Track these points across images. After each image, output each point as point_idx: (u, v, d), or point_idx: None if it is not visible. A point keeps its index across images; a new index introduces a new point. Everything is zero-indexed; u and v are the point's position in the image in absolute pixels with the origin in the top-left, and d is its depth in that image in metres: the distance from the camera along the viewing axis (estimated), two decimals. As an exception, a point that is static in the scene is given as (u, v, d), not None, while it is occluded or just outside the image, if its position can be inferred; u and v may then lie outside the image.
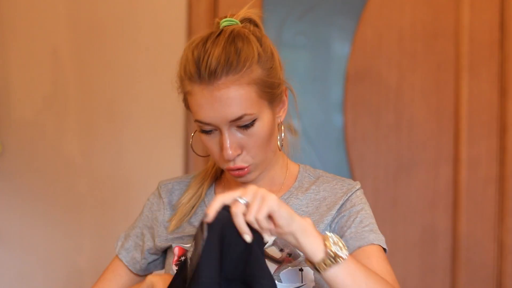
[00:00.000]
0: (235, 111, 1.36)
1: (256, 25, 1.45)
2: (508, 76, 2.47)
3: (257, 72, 1.38)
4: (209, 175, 1.55)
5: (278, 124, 1.47)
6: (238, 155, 1.40)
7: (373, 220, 1.47)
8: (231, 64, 1.35)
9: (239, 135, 1.39)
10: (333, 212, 1.46)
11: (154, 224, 1.56)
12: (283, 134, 1.48)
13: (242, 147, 1.40)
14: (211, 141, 1.41)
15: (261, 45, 1.41)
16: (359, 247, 1.41)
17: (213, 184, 1.55)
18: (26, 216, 2.50)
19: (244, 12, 1.45)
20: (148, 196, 1.60)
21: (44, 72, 2.50)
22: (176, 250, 1.49)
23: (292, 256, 1.42)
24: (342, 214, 1.46)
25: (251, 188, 1.22)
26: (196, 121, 1.40)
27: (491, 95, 2.48)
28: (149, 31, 2.50)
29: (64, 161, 2.50)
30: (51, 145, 2.50)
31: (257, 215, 1.20)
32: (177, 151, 2.50)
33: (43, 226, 2.51)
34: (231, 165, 1.40)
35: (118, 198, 2.51)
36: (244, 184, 1.47)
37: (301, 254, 1.40)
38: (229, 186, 1.53)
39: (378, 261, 1.40)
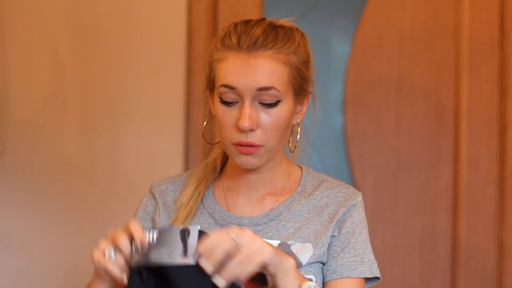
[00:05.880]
0: (265, 80, 1.37)
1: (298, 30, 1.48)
2: (508, 76, 2.47)
3: (293, 58, 1.40)
4: (206, 173, 1.54)
5: (293, 125, 1.47)
6: (251, 130, 1.38)
7: (367, 244, 1.48)
8: (272, 40, 1.38)
9: (260, 112, 1.39)
10: (334, 223, 1.46)
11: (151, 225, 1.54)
12: (298, 137, 1.48)
13: (258, 125, 1.39)
14: (228, 114, 1.40)
15: (301, 39, 1.44)
16: (347, 277, 1.44)
17: (211, 185, 1.54)
18: (26, 216, 2.50)
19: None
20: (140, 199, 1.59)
21: (44, 72, 2.50)
22: None
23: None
24: (341, 233, 1.46)
25: (248, 234, 1.25)
26: (222, 86, 1.38)
27: (491, 95, 2.48)
28: (149, 31, 2.50)
29: (64, 161, 2.50)
30: (51, 145, 2.50)
31: (249, 268, 1.24)
32: (177, 151, 2.50)
33: (43, 226, 2.51)
34: (243, 139, 1.39)
35: (118, 197, 2.51)
36: (246, 170, 1.46)
37: (303, 263, 1.42)
38: (230, 187, 1.52)
39: None
